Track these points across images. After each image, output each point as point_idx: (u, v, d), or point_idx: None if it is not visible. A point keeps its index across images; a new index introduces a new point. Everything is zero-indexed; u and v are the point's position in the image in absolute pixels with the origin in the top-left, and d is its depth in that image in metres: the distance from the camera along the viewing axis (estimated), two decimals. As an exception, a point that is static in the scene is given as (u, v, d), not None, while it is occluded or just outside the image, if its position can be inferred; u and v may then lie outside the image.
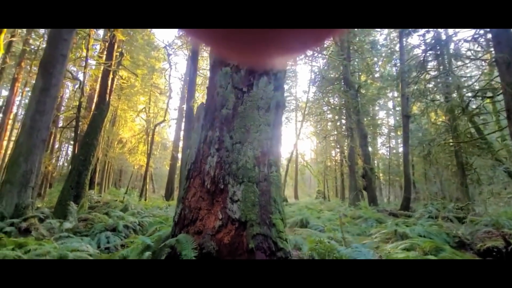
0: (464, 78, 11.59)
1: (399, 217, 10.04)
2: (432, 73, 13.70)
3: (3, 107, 15.07)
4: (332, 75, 14.67)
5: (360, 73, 17.20)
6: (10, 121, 16.56)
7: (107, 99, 9.13)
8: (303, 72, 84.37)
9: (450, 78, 10.21)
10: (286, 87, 25.58)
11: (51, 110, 5.30)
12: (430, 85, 17.59)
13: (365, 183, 13.63)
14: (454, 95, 11.75)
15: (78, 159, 7.73)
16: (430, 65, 15.08)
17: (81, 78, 10.14)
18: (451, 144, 11.08)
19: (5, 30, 10.62)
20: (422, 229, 6.31)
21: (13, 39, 14.18)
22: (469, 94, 9.62)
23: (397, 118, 25.32)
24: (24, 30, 15.90)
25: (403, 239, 5.31)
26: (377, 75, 19.84)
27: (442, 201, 11.96)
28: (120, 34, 9.35)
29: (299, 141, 25.80)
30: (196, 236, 2.02)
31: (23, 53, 15.06)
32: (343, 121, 15.63)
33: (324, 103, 16.73)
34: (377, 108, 26.10)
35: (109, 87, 9.51)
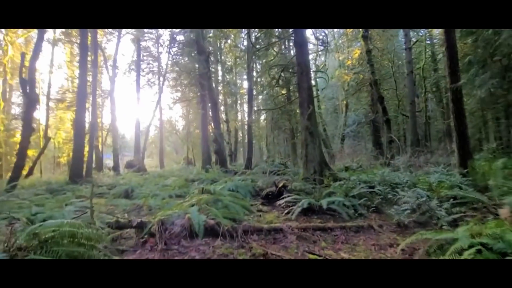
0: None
1: (239, 175, 11.32)
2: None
3: None
4: (183, 38, 14.03)
5: (216, 39, 17.34)
6: None
7: None
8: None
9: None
10: (144, 43, 22.67)
11: None
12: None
13: (215, 147, 14.58)
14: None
15: None
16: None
17: None
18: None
19: None
20: (234, 184, 7.30)
21: None
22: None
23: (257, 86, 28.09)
24: None
25: (209, 194, 5.85)
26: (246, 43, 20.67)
27: (272, 159, 14.58)
28: None
29: (168, 107, 24.31)
30: None
31: None
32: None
33: (178, 67, 16.05)
34: (244, 76, 27.93)
35: None
